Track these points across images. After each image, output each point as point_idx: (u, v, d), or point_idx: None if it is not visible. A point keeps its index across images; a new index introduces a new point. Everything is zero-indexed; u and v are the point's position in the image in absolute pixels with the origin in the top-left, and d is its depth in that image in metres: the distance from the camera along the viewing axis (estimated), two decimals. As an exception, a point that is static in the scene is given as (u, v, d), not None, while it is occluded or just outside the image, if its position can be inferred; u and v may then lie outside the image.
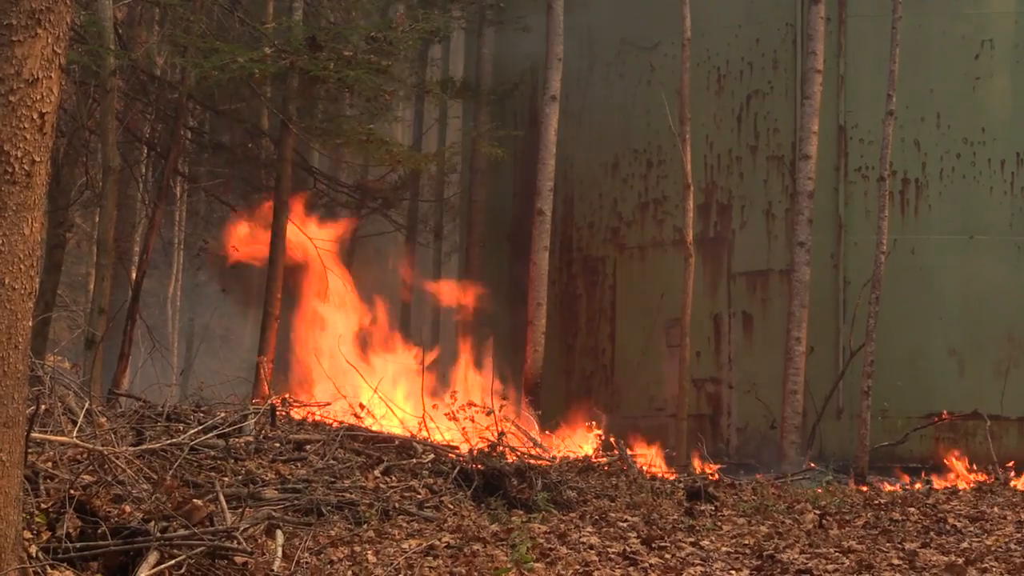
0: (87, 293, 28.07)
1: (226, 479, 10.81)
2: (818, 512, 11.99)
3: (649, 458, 17.11)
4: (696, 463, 17.26)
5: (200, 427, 11.82)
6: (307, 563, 8.82)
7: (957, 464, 17.67)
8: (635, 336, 20.17)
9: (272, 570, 8.37)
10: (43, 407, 10.63)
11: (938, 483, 16.46)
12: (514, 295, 21.15)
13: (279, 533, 9.18)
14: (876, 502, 13.07)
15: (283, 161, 19.26)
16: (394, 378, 16.73)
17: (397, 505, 11.03)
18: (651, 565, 9.30)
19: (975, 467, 17.47)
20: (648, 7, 20.56)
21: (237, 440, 12.06)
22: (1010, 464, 17.24)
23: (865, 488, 15.44)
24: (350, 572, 8.70)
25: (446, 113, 25.11)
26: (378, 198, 23.91)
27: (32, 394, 9.51)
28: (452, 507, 11.47)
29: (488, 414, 14.57)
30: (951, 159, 18.77)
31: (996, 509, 12.64)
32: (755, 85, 19.64)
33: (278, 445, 12.42)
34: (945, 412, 18.04)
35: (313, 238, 20.19)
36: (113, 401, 15.20)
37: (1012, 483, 16.33)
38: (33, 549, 7.52)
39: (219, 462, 11.34)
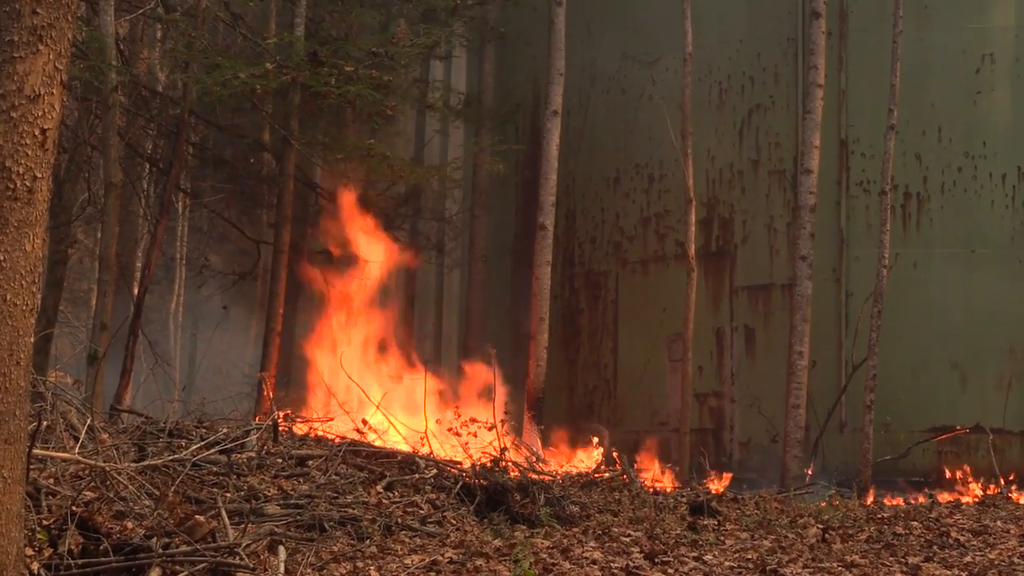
0: (89, 309, 28.06)
1: (228, 495, 10.80)
2: (821, 526, 11.96)
3: (652, 472, 17.10)
4: (709, 482, 17.21)
5: (202, 443, 11.82)
6: (309, 579, 8.81)
7: (960, 478, 17.64)
8: (637, 350, 20.16)
9: (274, 586, 8.37)
10: (45, 423, 10.63)
11: (941, 497, 16.43)
12: (516, 310, 21.15)
13: (281, 549, 9.17)
14: (879, 516, 13.05)
15: (284, 176, 19.28)
16: (397, 393, 16.71)
17: (400, 520, 11.01)
18: (654, 580, 9.29)
19: (978, 480, 17.44)
20: (649, 22, 20.59)
21: (239, 456, 12.05)
22: (1012, 477, 17.25)
23: (868, 502, 15.41)
24: (352, 588, 8.69)
25: (448, 128, 25.11)
26: (380, 213, 23.88)
27: (34, 410, 9.51)
28: (455, 522, 11.45)
29: (490, 429, 14.56)
30: (952, 173, 18.78)
31: (999, 523, 12.62)
32: (757, 99, 19.66)
33: (280, 461, 12.41)
34: (956, 428, 18.01)
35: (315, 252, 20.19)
36: (115, 417, 15.21)
37: (1015, 497, 16.31)
38: (35, 566, 7.52)
39: (221, 478, 11.33)
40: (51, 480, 9.49)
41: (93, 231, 25.72)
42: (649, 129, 20.19)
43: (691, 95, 18.84)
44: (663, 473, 17.35)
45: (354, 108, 19.14)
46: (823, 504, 14.40)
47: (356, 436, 14.26)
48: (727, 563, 9.95)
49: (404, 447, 14.16)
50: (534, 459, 15.67)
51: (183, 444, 12.04)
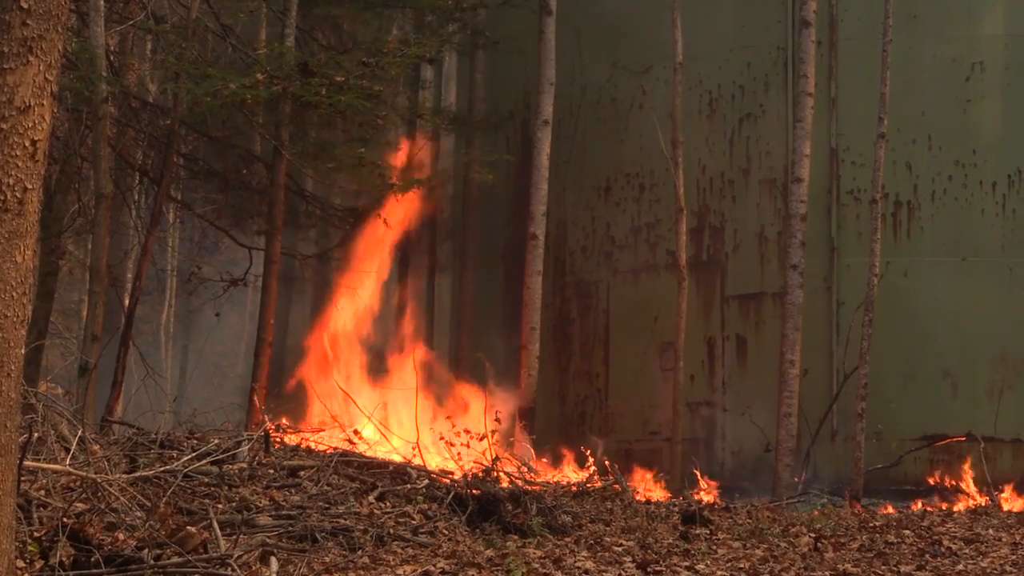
0: (80, 320, 28.04)
1: (220, 506, 10.79)
2: (813, 535, 11.97)
3: (644, 482, 17.10)
4: (700, 493, 17.20)
5: (194, 454, 11.80)
6: (301, 590, 8.80)
7: (951, 486, 17.65)
8: (629, 360, 20.14)
9: (266, 597, 8.35)
10: (36, 435, 10.61)
11: (933, 505, 16.44)
12: (507, 319, 21.13)
13: (273, 560, 9.15)
14: (871, 525, 13.06)
15: (276, 186, 19.25)
16: (389, 403, 16.70)
17: (392, 531, 11.00)
18: (646, 590, 9.29)
19: (969, 489, 17.45)
20: (640, 31, 20.58)
21: (231, 467, 12.04)
22: (1004, 486, 17.26)
23: (860, 510, 15.42)
24: (344, 599, 8.68)
25: (439, 137, 25.09)
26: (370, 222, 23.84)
27: (25, 422, 9.49)
28: (447, 532, 11.44)
29: (481, 439, 14.55)
30: (943, 181, 18.80)
31: (991, 531, 12.64)
32: (747, 108, 19.67)
33: (272, 471, 12.40)
34: (947, 436, 18.02)
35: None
36: (106, 428, 15.17)
37: (1006, 505, 16.33)
38: (26, 578, 7.50)
39: (213, 489, 11.32)
40: (42, 492, 9.47)
41: (84, 242, 25.68)
42: (640, 138, 20.18)
43: (681, 104, 18.85)
44: (655, 483, 17.35)
45: (344, 118, 19.13)
46: (815, 513, 14.42)
47: (348, 446, 14.25)
48: (719, 572, 9.94)
49: (396, 457, 14.16)
50: (526, 469, 15.66)
51: (174, 455, 12.02)
